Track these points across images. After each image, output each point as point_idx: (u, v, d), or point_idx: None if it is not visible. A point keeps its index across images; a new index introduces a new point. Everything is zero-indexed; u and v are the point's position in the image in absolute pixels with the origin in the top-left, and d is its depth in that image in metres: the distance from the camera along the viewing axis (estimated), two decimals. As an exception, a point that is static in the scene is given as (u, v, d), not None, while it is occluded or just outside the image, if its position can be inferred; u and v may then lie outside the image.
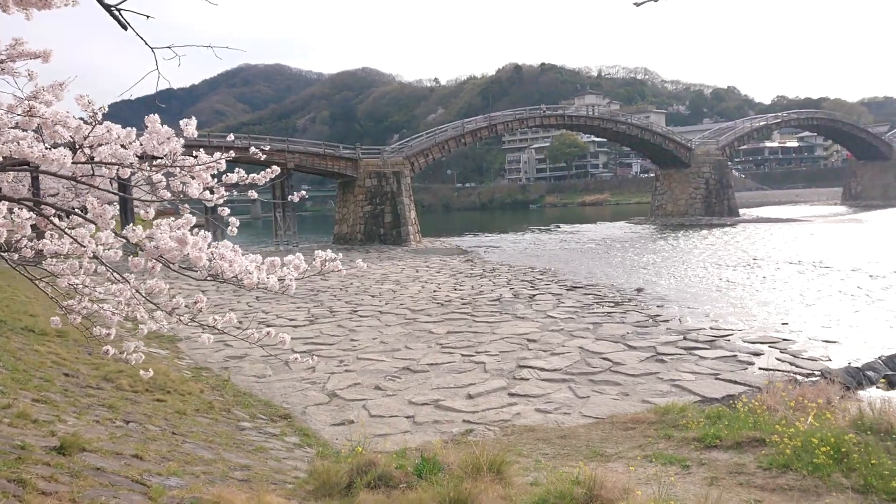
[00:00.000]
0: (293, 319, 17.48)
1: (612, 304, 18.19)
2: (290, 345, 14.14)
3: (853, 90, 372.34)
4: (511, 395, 10.30)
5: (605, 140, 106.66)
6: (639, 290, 20.95)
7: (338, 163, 43.41)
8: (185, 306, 3.33)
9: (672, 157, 58.09)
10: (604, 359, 12.21)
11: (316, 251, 3.40)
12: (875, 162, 74.93)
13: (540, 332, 14.76)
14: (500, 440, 8.23)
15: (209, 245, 2.94)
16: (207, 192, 3.60)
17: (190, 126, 3.11)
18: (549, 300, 19.15)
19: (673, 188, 59.66)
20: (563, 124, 60.37)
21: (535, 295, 20.20)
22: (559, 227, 59.61)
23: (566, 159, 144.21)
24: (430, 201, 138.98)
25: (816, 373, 11.16)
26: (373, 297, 21.11)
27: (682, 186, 58.66)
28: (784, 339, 13.64)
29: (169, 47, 2.76)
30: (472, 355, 12.77)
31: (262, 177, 3.71)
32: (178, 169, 3.26)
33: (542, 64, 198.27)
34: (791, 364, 11.78)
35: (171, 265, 2.89)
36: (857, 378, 11.21)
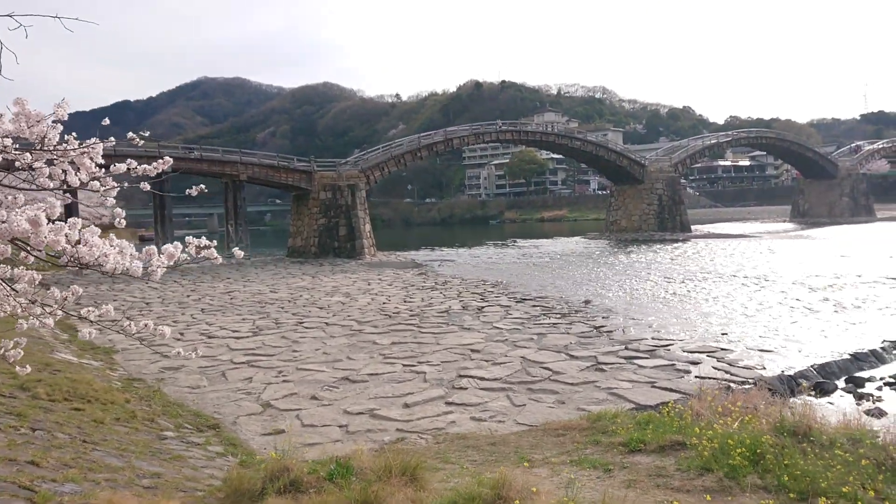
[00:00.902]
0: (237, 331, 17.17)
1: (558, 316, 18.28)
2: (228, 356, 13.85)
3: (803, 112, 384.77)
4: (448, 403, 10.23)
5: (563, 157, 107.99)
6: (587, 301, 21.11)
7: (292, 175, 43.05)
8: (59, 300, 3.16)
9: (626, 173, 59.02)
10: (544, 368, 12.23)
11: (187, 238, 3.28)
12: (822, 180, 77.20)
13: (484, 342, 14.74)
14: (429, 447, 8.14)
15: (79, 232, 2.81)
16: (96, 182, 3.46)
17: (61, 110, 2.98)
18: (497, 312, 19.17)
19: (627, 204, 60.56)
20: (519, 139, 60.94)
21: (483, 307, 20.21)
22: (516, 242, 59.95)
23: (525, 176, 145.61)
24: (390, 216, 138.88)
25: (750, 381, 11.32)
26: (321, 308, 20.89)
27: (635, 202, 59.58)
28: (722, 349, 13.83)
29: (10, 15, 2.64)
30: (414, 365, 12.68)
31: (153, 168, 3.58)
32: (57, 155, 3.12)
33: (503, 81, 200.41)
34: (727, 373, 11.93)
35: (32, 252, 2.76)
36: (789, 386, 11.42)
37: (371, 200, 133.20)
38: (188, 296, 25.65)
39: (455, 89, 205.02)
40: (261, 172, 42.62)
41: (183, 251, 3.06)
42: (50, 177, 3.37)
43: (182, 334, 17.04)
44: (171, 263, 3.05)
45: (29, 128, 2.94)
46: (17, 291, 2.98)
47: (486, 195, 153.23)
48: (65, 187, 3.33)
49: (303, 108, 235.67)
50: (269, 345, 15.23)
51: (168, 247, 3.07)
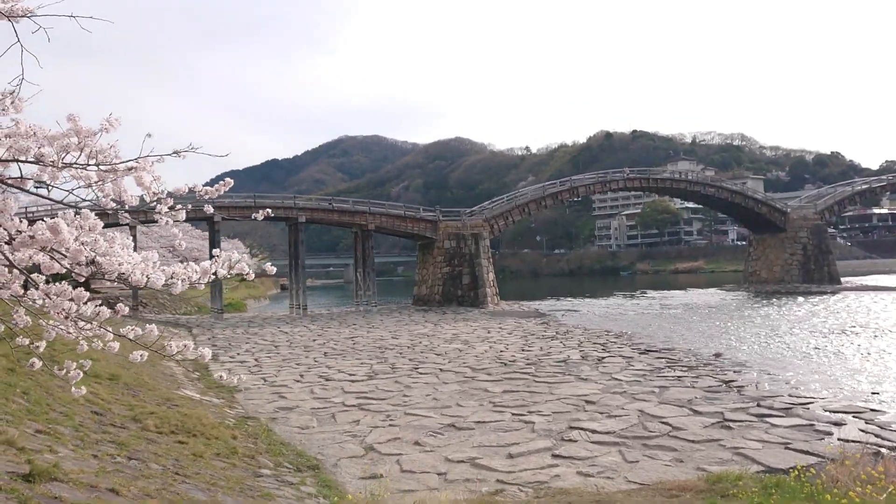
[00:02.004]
0: (353, 374, 17.34)
1: (684, 369, 17.12)
2: (341, 398, 13.92)
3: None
4: (554, 456, 9.66)
5: (699, 206, 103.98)
6: (717, 355, 19.70)
7: (418, 224, 43.93)
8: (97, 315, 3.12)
9: (765, 221, 55.64)
10: (663, 423, 11.36)
11: (220, 253, 3.15)
12: None
13: (601, 394, 13.98)
14: (527, 501, 7.65)
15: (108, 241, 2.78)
16: (158, 203, 3.45)
17: (108, 124, 2.99)
18: (618, 363, 18.26)
19: (767, 254, 56.89)
20: (648, 187, 59.24)
21: (604, 357, 19.33)
22: (646, 293, 57.73)
23: (658, 226, 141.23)
24: (518, 267, 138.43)
25: (905, 446, 9.95)
26: (438, 355, 20.78)
27: (776, 252, 55.86)
28: (872, 410, 12.33)
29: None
30: (524, 415, 12.18)
31: (216, 189, 3.55)
32: (114, 172, 3.14)
33: (634, 131, 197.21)
34: (876, 436, 10.55)
35: (65, 263, 2.73)
36: (953, 454, 9.90)
37: (499, 251, 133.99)
38: (314, 340, 26.37)
39: (585, 140, 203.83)
40: (388, 222, 43.79)
41: (219, 268, 2.93)
42: (117, 200, 3.37)
43: (302, 376, 17.41)
44: (205, 279, 2.94)
45: (81, 142, 2.93)
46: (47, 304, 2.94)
47: (616, 246, 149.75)
48: (126, 207, 3.31)
49: (435, 162, 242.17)
50: (382, 389, 15.21)
51: (204, 263, 2.97)
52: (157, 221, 3.42)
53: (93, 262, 2.64)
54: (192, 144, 3.48)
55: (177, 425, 8.83)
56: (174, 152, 3.14)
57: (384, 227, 44.05)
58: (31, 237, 2.55)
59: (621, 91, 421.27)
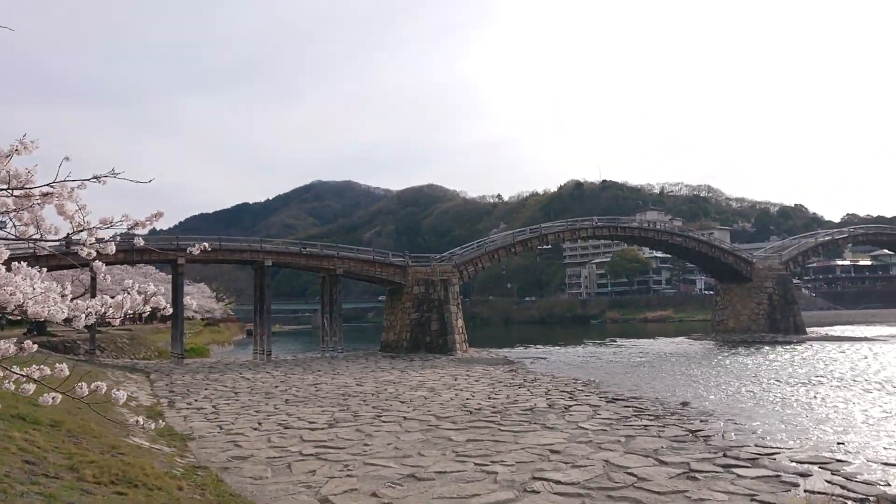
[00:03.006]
0: (313, 422, 16.83)
1: (651, 418, 16.91)
2: (299, 447, 13.44)
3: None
4: (516, 508, 9.33)
5: (668, 256, 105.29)
6: (684, 403, 19.57)
7: (386, 269, 43.65)
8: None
9: (732, 270, 56.38)
10: (629, 473, 11.10)
11: (137, 286, 2.91)
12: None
13: (566, 443, 13.69)
14: (485, 557, 7.30)
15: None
16: (84, 233, 3.20)
17: (22, 146, 2.76)
18: (585, 411, 18.00)
19: (734, 303, 57.50)
20: (616, 235, 59.81)
21: (571, 406, 19.07)
22: (615, 341, 57.77)
23: (628, 275, 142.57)
24: (489, 314, 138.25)
25: (871, 498, 9.81)
26: (402, 402, 20.33)
27: (743, 301, 56.48)
28: (838, 460, 12.22)
29: None
30: (486, 465, 11.83)
31: (147, 221, 3.32)
32: (34, 199, 2.90)
33: (604, 181, 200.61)
34: (842, 487, 10.42)
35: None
36: (918, 506, 9.78)
37: (470, 298, 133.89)
38: (276, 386, 25.72)
39: (556, 189, 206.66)
40: (356, 267, 43.45)
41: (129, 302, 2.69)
42: (34, 225, 3.12)
43: (260, 424, 16.85)
44: (119, 314, 2.70)
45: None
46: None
47: (586, 294, 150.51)
48: (40, 236, 3.06)
49: (407, 209, 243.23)
50: (342, 437, 14.75)
51: (118, 297, 2.74)
52: (74, 253, 3.16)
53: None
54: (124, 175, 3.27)
55: (117, 475, 8.36)
56: (94, 177, 2.92)
57: (352, 272, 43.68)
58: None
59: (591, 140, 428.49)
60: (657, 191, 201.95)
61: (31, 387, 3.36)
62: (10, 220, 3.17)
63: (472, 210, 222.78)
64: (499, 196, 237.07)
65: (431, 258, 45.98)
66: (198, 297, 79.62)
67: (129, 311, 2.81)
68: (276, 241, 50.02)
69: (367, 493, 10.18)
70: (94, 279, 33.75)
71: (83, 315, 2.66)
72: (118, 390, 2.85)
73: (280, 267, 45.35)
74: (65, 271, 34.15)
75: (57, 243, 3.23)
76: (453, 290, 43.19)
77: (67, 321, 2.62)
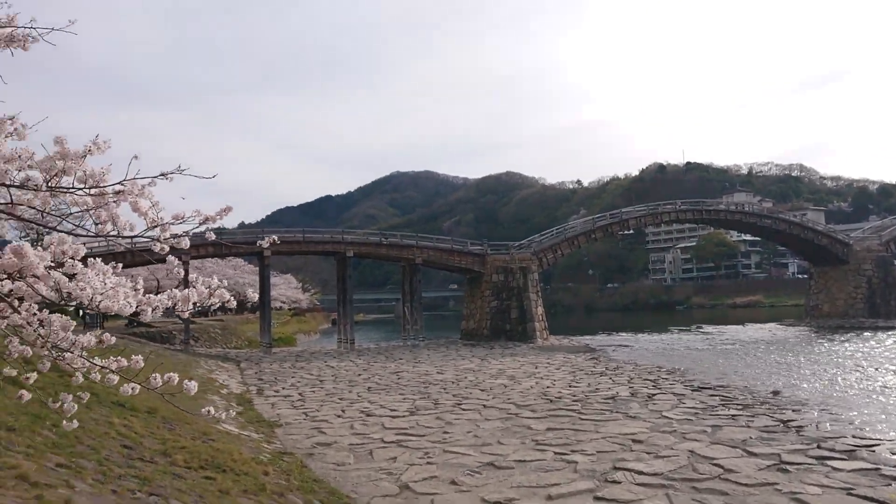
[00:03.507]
0: (395, 410, 17.07)
1: (739, 407, 16.33)
2: (380, 434, 13.68)
3: None
4: (596, 498, 9.20)
5: (757, 239, 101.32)
6: (775, 392, 18.80)
7: (465, 258, 43.75)
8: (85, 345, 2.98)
9: (827, 253, 53.67)
10: (715, 465, 10.75)
11: (203, 281, 2.98)
12: None
13: (649, 433, 13.39)
14: (564, 547, 7.23)
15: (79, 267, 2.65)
16: (157, 229, 3.32)
17: (95, 146, 2.87)
18: (669, 400, 17.56)
19: (830, 287, 54.75)
20: (701, 219, 57.86)
21: (654, 395, 18.63)
22: (701, 327, 56.08)
23: (714, 259, 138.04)
24: (571, 302, 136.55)
25: (982, 494, 9.15)
26: (482, 391, 20.37)
27: (839, 285, 53.69)
28: (946, 454, 11.47)
29: None
30: (566, 454, 11.71)
31: (216, 216, 3.41)
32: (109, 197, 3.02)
33: (688, 163, 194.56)
34: (951, 482, 9.77)
35: (38, 289, 2.60)
36: None
37: (551, 286, 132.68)
38: (359, 374, 26.24)
39: (637, 173, 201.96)
40: (435, 255, 43.74)
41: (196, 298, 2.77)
42: (110, 222, 3.24)
43: (343, 411, 17.21)
44: (186, 307, 2.78)
45: (64, 165, 2.82)
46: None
47: (671, 280, 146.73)
48: (117, 233, 3.18)
49: (486, 197, 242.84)
50: (423, 425, 14.90)
51: (185, 291, 2.81)
52: (149, 250, 3.27)
53: (59, 289, 2.51)
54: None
55: (207, 460, 8.71)
56: (161, 174, 3.01)
57: (431, 261, 44.00)
58: (-3, 263, 2.43)
59: (675, 122, 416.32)
60: (745, 171, 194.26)
61: (116, 377, 3.50)
62: (91, 216, 3.30)
63: (552, 196, 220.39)
64: (578, 182, 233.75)
65: (510, 246, 45.77)
66: (284, 288, 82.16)
67: (198, 305, 2.89)
68: (357, 232, 50.98)
69: (447, 480, 10.25)
70: (186, 273, 35.18)
71: (150, 309, 2.75)
72: (190, 381, 2.94)
73: (361, 258, 46.18)
74: (158, 266, 35.79)
75: (132, 240, 3.34)
76: (532, 278, 42.87)
77: (135, 315, 2.72)
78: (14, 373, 3.29)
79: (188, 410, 13.78)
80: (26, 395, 3.28)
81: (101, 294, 2.61)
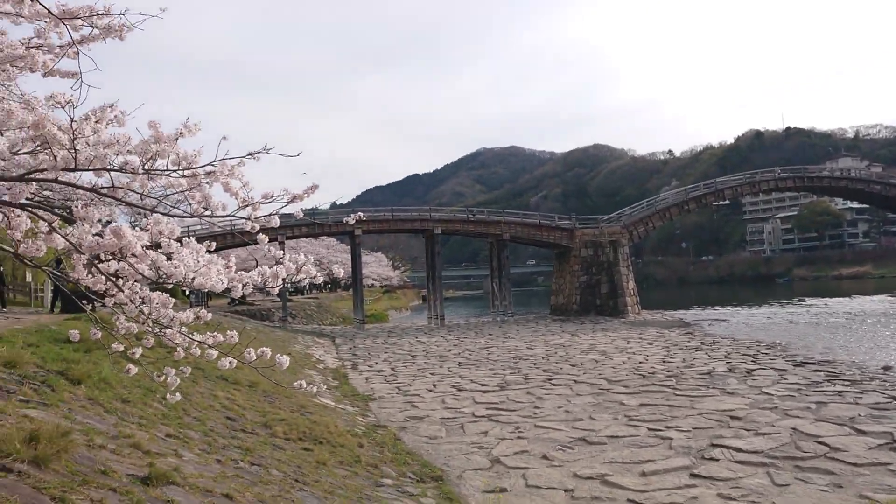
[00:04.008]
0: (485, 385, 17.17)
1: (846, 383, 15.52)
2: (471, 409, 13.79)
3: None
4: (693, 475, 8.96)
5: (865, 206, 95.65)
6: (886, 368, 17.76)
7: (553, 233, 43.28)
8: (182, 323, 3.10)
9: (945, 220, 50.11)
10: (820, 443, 10.28)
11: (289, 257, 3.03)
12: None
13: (748, 409, 12.92)
14: (659, 524, 7.09)
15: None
16: (248, 208, 3.41)
17: (187, 130, 2.97)
18: (770, 376, 16.88)
19: (948, 256, 51.14)
20: (802, 187, 54.97)
21: (753, 370, 17.96)
22: (804, 300, 53.56)
23: (818, 228, 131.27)
24: (664, 275, 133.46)
25: None
26: (573, 366, 20.19)
27: (960, 254, 50.07)
28: None
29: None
30: (661, 430, 11.46)
31: (304, 193, 3.47)
32: (201, 177, 3.13)
33: (787, 128, 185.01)
34: None
35: (137, 268, 2.72)
36: None
37: (643, 260, 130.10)
38: (450, 350, 26.51)
39: (733, 141, 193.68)
40: (522, 231, 43.49)
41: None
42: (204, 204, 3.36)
43: (435, 386, 17.46)
44: (275, 283, 2.85)
45: (158, 148, 2.93)
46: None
47: (770, 251, 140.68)
48: (210, 213, 3.29)
49: (574, 170, 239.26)
50: (513, 400, 14.92)
51: (274, 268, 2.88)
52: (245, 232, 3.36)
53: (158, 268, 2.62)
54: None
55: (304, 432, 9.01)
56: (248, 154, 3.08)
57: (519, 237, 43.78)
58: (97, 242, 2.56)
59: (771, 85, 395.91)
60: (850, 135, 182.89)
61: (214, 353, 3.63)
62: (186, 198, 3.42)
63: (642, 168, 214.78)
64: (669, 152, 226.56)
65: (599, 219, 44.95)
66: (375, 266, 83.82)
67: (287, 281, 2.96)
68: (444, 209, 51.30)
69: (538, 455, 10.23)
70: (283, 252, 36.43)
71: (240, 285, 2.83)
72: (281, 356, 3.02)
73: (449, 234, 46.42)
74: (257, 247, 37.18)
75: (230, 221, 3.44)
76: (623, 252, 42.01)
77: (227, 291, 2.81)
78: (121, 348, 3.47)
79: (286, 384, 14.35)
80: (133, 369, 3.45)
81: (195, 272, 2.71)
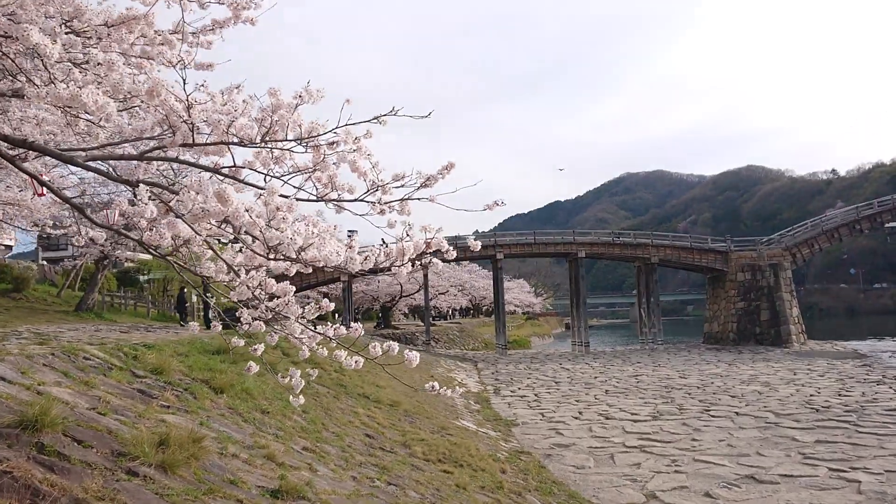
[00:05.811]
0: (635, 414, 16.09)
1: None
2: (621, 438, 12.91)
3: None
4: (892, 526, 7.66)
5: None
6: None
7: (706, 256, 40.77)
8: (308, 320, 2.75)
9: None
10: None
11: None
12: None
13: (952, 451, 11.12)
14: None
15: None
16: (378, 191, 3.04)
17: (307, 94, 2.63)
18: (975, 414, 14.59)
19: None
20: None
21: (952, 406, 15.64)
22: None
23: None
24: (829, 304, 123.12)
25: None
26: (732, 397, 18.57)
27: None
28: None
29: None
30: (844, 471, 10.05)
31: (438, 174, 3.05)
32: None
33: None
34: None
35: (252, 246, 2.39)
36: None
37: (805, 287, 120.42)
38: (595, 377, 25.38)
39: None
40: (672, 254, 41.32)
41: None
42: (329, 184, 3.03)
43: (581, 413, 16.61)
44: (403, 262, 2.42)
45: (277, 117, 2.61)
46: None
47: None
48: (337, 196, 2.94)
49: (725, 193, 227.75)
50: (667, 431, 13.81)
51: (400, 244, 2.47)
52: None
53: (276, 246, 2.28)
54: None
55: (444, 454, 8.60)
56: (375, 118, 2.69)
57: (668, 260, 41.64)
58: (203, 209, 2.25)
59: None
60: None
61: (343, 353, 3.25)
62: (310, 178, 3.09)
63: (801, 189, 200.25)
64: (833, 171, 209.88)
65: (756, 241, 41.91)
66: (517, 292, 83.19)
67: (413, 257, 2.54)
68: (588, 233, 49.93)
69: (700, 492, 9.23)
70: (425, 277, 36.94)
71: (358, 259, 2.44)
72: (410, 352, 2.58)
73: (593, 258, 45.04)
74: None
75: (354, 201, 3.08)
76: (785, 276, 38.81)
77: (341, 266, 2.43)
78: (241, 342, 3.18)
79: (428, 404, 14.06)
80: (254, 367, 3.15)
81: (310, 243, 2.35)
